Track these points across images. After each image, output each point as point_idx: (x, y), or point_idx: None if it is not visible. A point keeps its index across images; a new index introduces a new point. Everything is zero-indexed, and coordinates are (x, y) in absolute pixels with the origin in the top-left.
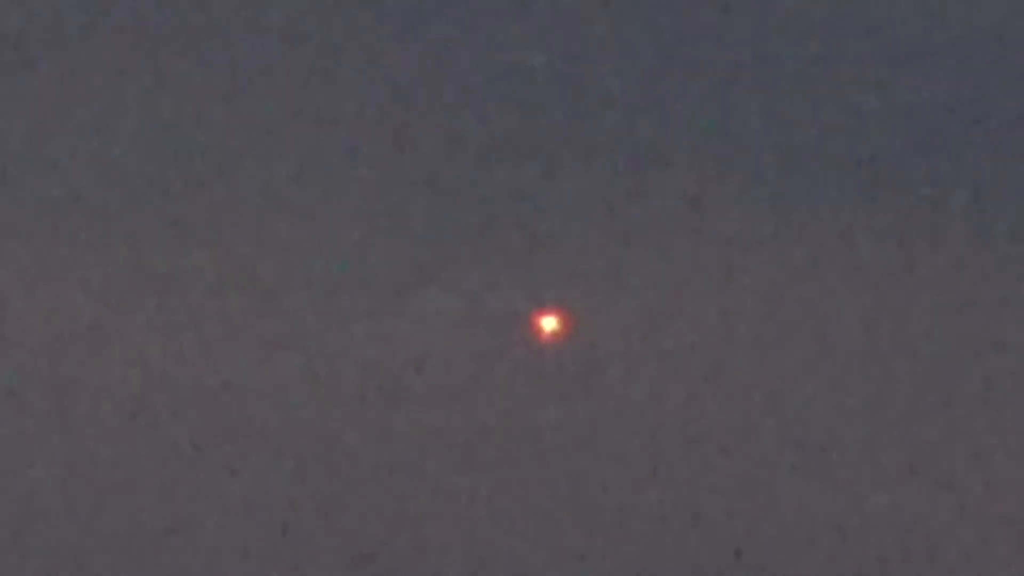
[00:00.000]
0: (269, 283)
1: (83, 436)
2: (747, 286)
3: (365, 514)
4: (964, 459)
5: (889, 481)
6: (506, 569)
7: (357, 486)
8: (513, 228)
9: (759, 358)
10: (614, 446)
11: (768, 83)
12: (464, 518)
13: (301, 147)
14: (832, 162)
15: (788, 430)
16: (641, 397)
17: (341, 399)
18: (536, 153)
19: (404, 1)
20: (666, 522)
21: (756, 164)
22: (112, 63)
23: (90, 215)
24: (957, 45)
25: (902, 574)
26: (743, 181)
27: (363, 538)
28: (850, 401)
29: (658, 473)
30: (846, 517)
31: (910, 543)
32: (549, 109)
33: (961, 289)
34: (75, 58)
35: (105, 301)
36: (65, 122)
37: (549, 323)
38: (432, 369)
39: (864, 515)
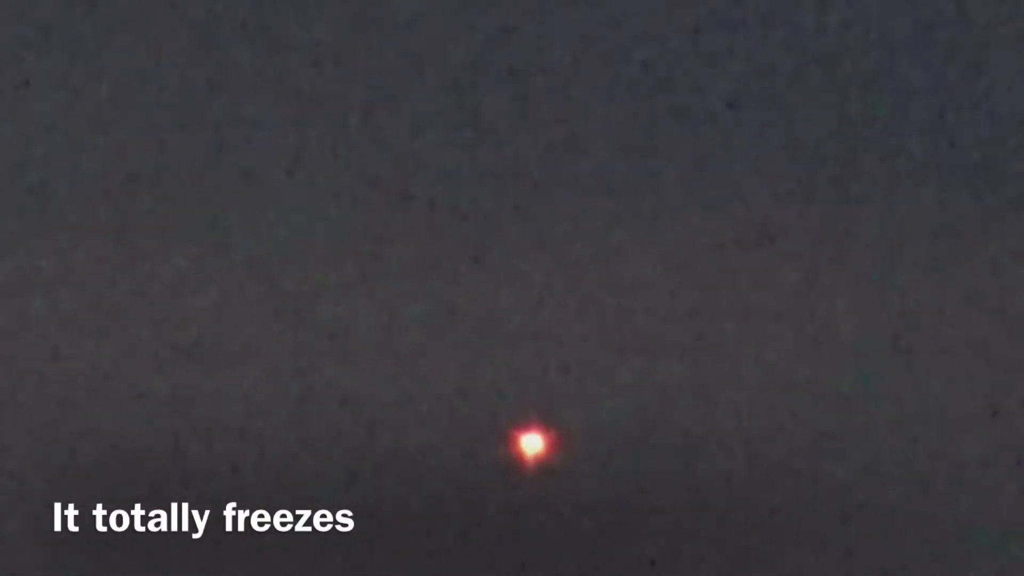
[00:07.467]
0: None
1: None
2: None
3: (364, 500)
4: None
5: (889, 480)
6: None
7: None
8: (515, 225)
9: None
10: (617, 444)
11: (771, 81)
12: (462, 505)
13: (301, 142)
14: (835, 159)
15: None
16: (645, 396)
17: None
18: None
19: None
20: (670, 521)
21: (758, 162)
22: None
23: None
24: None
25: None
26: (747, 177)
27: (367, 527)
28: (856, 401)
29: (658, 469)
30: (850, 519)
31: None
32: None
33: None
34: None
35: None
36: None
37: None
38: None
39: (867, 515)
